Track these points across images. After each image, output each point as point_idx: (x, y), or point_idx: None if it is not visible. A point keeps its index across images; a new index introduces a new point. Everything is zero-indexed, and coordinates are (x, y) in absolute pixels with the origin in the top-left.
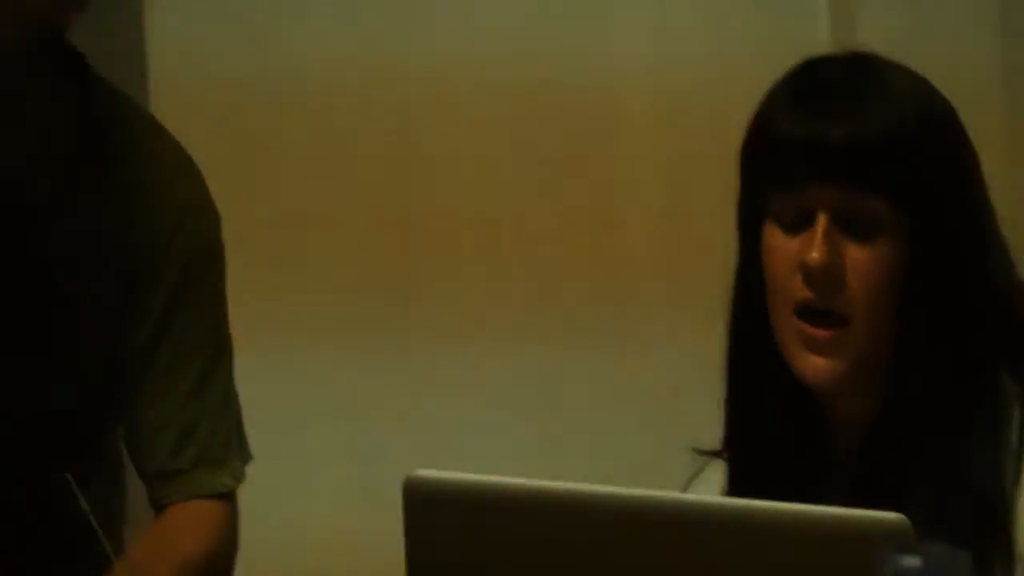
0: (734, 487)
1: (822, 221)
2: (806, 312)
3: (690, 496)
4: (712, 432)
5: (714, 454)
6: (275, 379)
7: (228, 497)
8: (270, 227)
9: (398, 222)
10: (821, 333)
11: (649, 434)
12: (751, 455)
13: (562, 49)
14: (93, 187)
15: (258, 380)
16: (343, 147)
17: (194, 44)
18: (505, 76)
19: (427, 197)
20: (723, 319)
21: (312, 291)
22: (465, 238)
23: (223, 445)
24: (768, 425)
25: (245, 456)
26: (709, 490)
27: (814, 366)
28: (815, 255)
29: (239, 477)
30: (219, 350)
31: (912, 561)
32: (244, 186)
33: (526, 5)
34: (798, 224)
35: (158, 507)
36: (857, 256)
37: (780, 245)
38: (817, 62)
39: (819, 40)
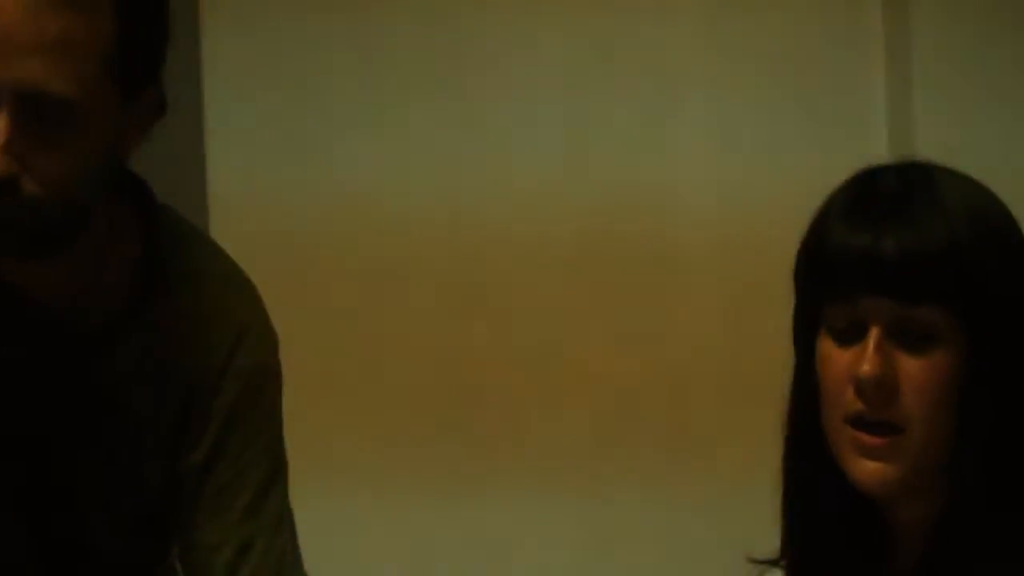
0: None
1: (874, 334)
2: (859, 422)
3: None
4: (771, 542)
5: (772, 563)
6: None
7: None
8: (325, 352)
9: (457, 334)
10: (874, 440)
11: (706, 539)
12: (809, 564)
13: (620, 175)
14: (155, 312)
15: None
16: (398, 276)
17: (253, 169)
18: (559, 201)
19: (484, 303)
20: (780, 429)
21: (362, 427)
22: (519, 324)
23: (277, 562)
24: (826, 534)
25: (300, 574)
26: None
27: (867, 471)
28: (867, 368)
29: None
30: (275, 469)
31: None
32: (301, 309)
33: (582, 124)
34: (851, 336)
35: None
36: (911, 368)
37: (833, 356)
38: (872, 172)
39: (877, 150)
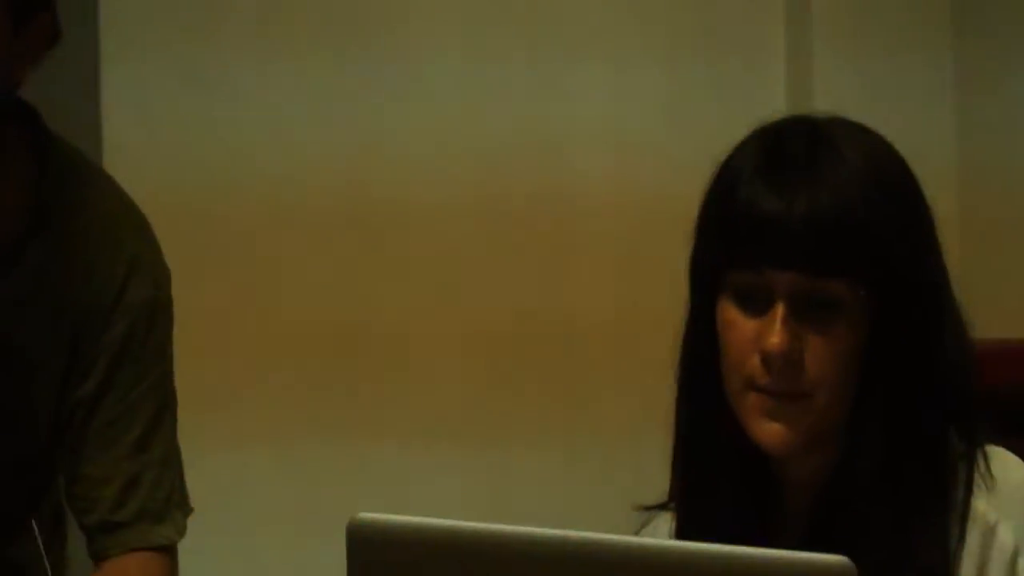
0: (681, 538)
1: (781, 308)
2: (764, 389)
3: (635, 539)
4: (661, 485)
5: (660, 507)
6: (219, 419)
7: (169, 550)
8: (221, 281)
9: (350, 278)
10: (778, 404)
11: (597, 484)
12: (698, 510)
13: (518, 128)
14: (45, 240)
15: (205, 428)
16: (296, 200)
17: (147, 104)
18: (456, 151)
19: (380, 249)
20: (672, 371)
21: (259, 346)
22: (408, 274)
23: (165, 498)
24: (716, 481)
25: (187, 509)
26: None
27: (770, 432)
28: (775, 341)
29: (181, 530)
30: (164, 404)
31: None
32: (195, 243)
33: (481, 77)
34: (756, 305)
35: (98, 559)
36: (816, 341)
37: (738, 323)
38: (778, 131)
39: (776, 104)
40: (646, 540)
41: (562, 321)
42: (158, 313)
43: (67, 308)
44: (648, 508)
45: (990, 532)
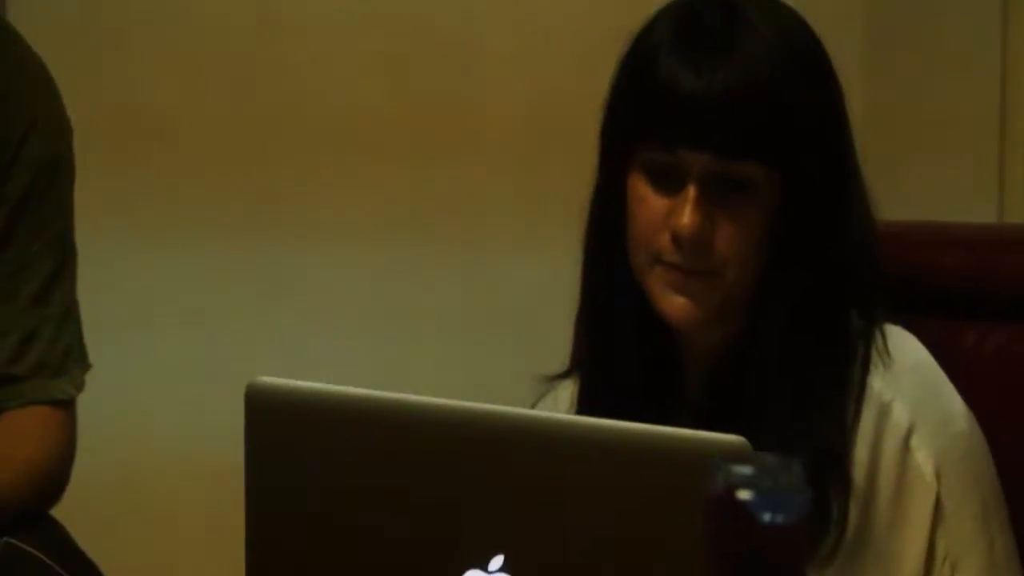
0: (580, 410)
1: (693, 189)
2: (673, 266)
3: (532, 412)
4: (562, 358)
5: (560, 377)
6: (124, 280)
7: (67, 405)
8: (123, 130)
9: (255, 123)
10: (687, 280)
11: (500, 354)
12: (598, 380)
13: (420, 24)
14: None
15: (108, 281)
16: (199, 48)
17: None
18: (361, 46)
19: (287, 97)
20: (578, 240)
21: (163, 193)
22: (324, 151)
23: (64, 353)
24: (618, 350)
25: (85, 365)
26: (555, 412)
27: (678, 306)
28: (686, 222)
29: (79, 386)
30: (64, 259)
31: (744, 470)
32: (96, 94)
33: None
34: (668, 183)
35: None
36: (726, 222)
37: (648, 199)
38: (695, 8)
39: None
40: (544, 413)
41: (464, 189)
42: (60, 168)
43: None
44: (551, 378)
45: (885, 410)
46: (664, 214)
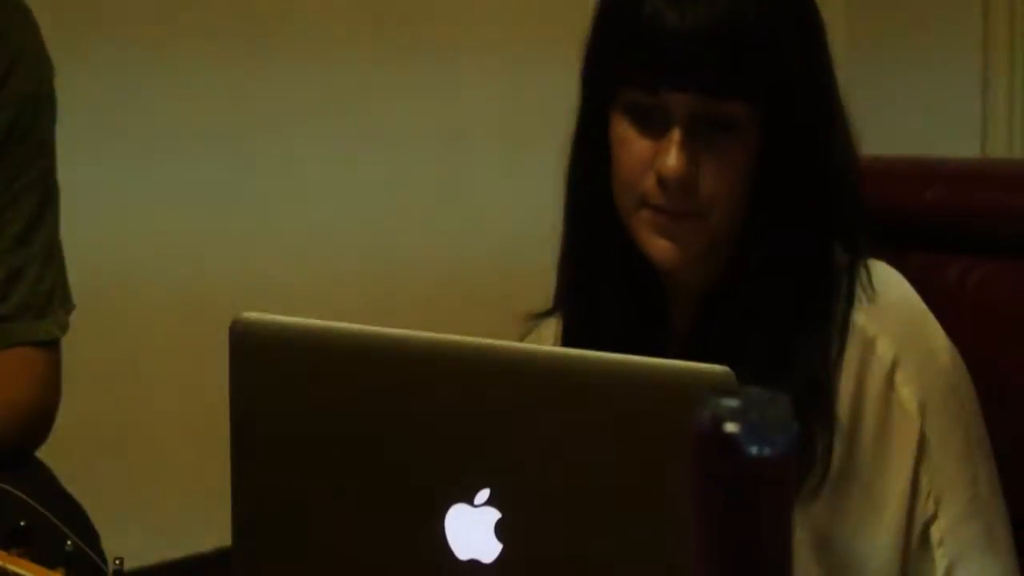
0: (566, 344)
1: (678, 131)
2: (659, 208)
3: (517, 344)
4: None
5: (545, 314)
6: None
7: (52, 346)
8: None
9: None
10: (673, 223)
11: (483, 295)
12: (584, 316)
13: None
14: None
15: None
16: None
17: None
18: None
19: None
20: (561, 178)
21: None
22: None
23: (48, 293)
24: (602, 288)
25: (69, 306)
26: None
27: (663, 249)
28: (672, 165)
29: (63, 326)
30: (46, 199)
31: (731, 402)
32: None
33: None
34: (652, 127)
35: None
36: (711, 162)
37: (632, 141)
38: None
39: None
40: (529, 346)
41: (447, 125)
42: (41, 106)
43: None
44: (534, 315)
45: (869, 345)
46: (649, 156)
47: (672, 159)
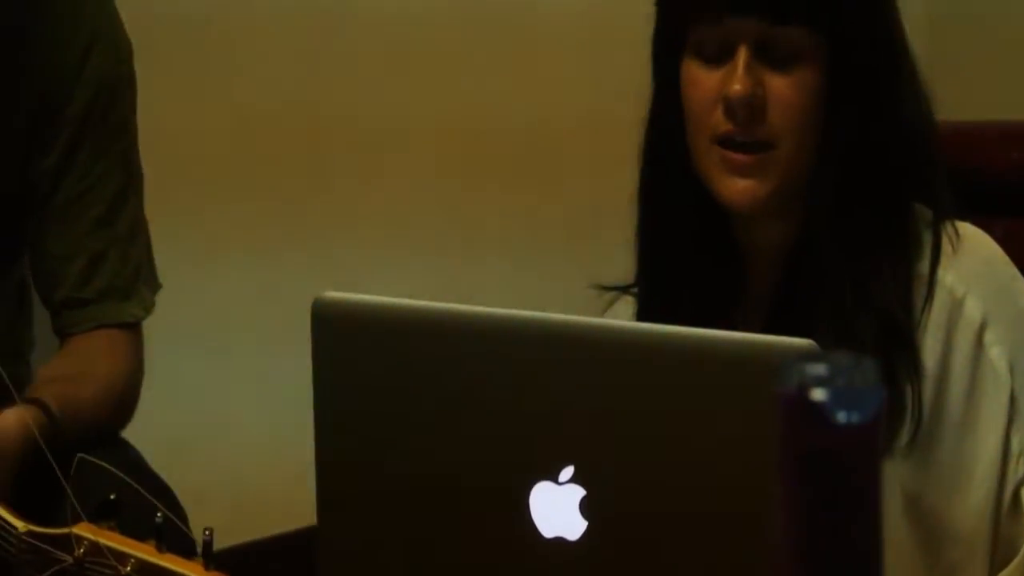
0: (643, 319)
1: (743, 53)
2: (729, 142)
3: (600, 320)
4: (618, 271)
5: (622, 289)
6: (187, 220)
7: (135, 327)
8: (181, 50)
9: (311, 53)
10: (744, 157)
11: (559, 271)
12: (663, 286)
13: None
14: (6, 6)
15: (172, 220)
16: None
17: None
18: None
19: (343, 34)
20: (636, 152)
21: (223, 130)
22: (378, 71)
23: (132, 274)
24: (682, 254)
25: (154, 286)
26: None
27: (738, 188)
28: (737, 87)
29: (148, 307)
30: (128, 180)
31: (817, 369)
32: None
33: None
34: (718, 57)
35: (64, 336)
36: (778, 86)
37: (700, 78)
38: None
39: None
40: (612, 321)
41: (525, 103)
42: (121, 87)
43: (28, 78)
44: (610, 288)
45: (957, 305)
46: (717, 87)
47: (738, 82)
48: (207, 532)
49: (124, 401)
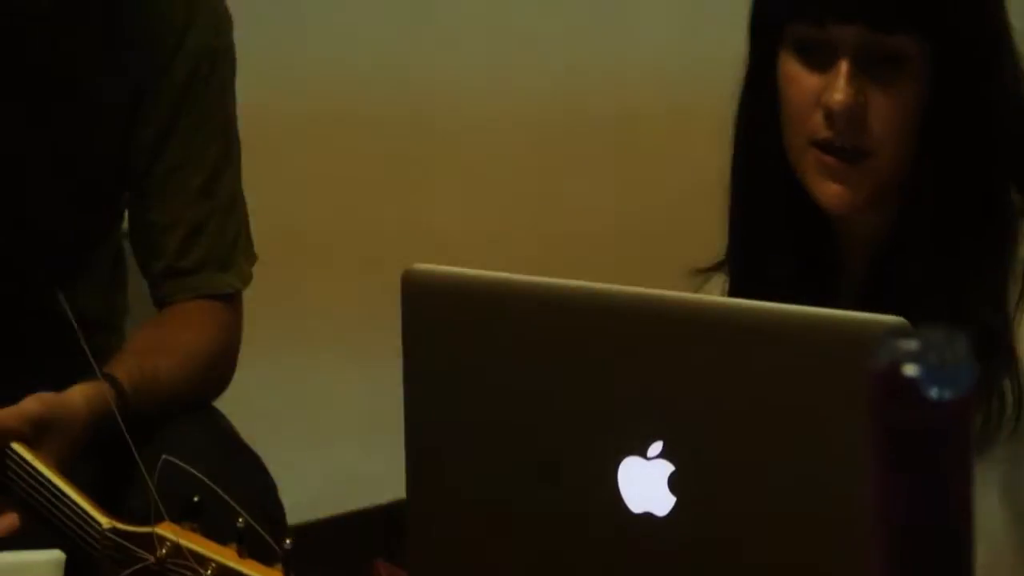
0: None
1: (846, 62)
2: (827, 147)
3: (690, 295)
4: (711, 253)
5: (714, 268)
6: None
7: (233, 298)
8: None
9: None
10: (841, 164)
11: (650, 253)
12: (754, 269)
13: None
14: None
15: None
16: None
17: None
18: None
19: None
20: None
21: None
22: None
23: (231, 245)
24: (774, 237)
25: (251, 258)
26: None
27: (832, 193)
28: (839, 97)
29: (246, 279)
30: (228, 151)
31: (910, 344)
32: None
33: None
34: (819, 61)
35: (162, 306)
36: (880, 96)
37: (800, 78)
38: None
39: None
40: (702, 296)
41: (612, 82)
42: (219, 58)
43: (129, 51)
44: (702, 270)
45: None
46: (816, 91)
47: (839, 92)
48: (288, 543)
49: (214, 372)
